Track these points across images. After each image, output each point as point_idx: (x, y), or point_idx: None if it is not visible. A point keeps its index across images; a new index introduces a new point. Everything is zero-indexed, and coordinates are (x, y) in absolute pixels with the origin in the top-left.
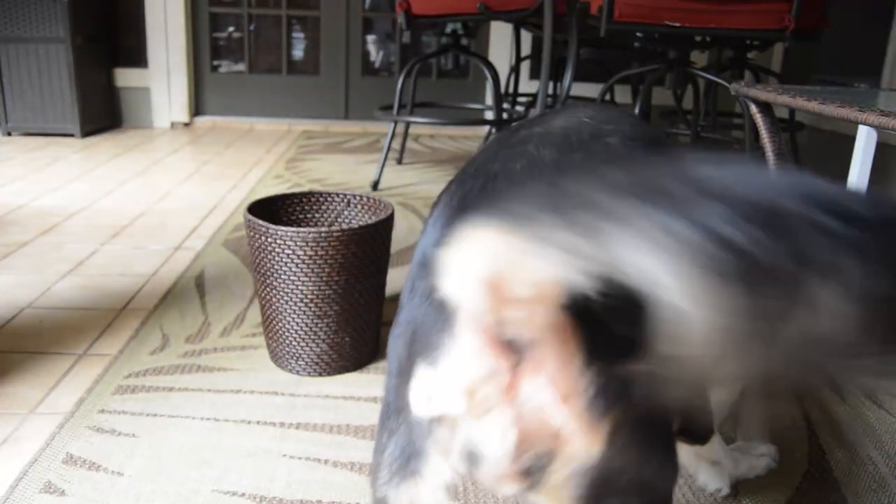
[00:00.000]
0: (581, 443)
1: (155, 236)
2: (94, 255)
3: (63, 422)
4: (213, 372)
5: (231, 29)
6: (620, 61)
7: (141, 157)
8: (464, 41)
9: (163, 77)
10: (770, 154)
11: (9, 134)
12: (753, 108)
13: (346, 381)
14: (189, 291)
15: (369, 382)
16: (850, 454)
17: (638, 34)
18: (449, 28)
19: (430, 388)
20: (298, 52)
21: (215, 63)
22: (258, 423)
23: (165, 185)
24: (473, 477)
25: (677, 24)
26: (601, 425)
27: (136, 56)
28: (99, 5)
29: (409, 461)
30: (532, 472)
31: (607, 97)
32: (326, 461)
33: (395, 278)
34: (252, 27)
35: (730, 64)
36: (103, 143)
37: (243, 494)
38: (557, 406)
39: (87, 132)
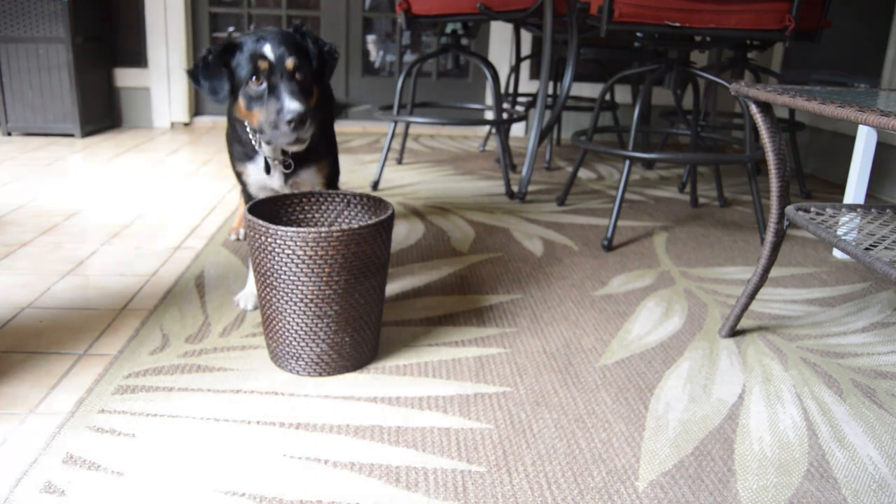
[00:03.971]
0: None
1: (155, 236)
2: (94, 255)
3: (63, 422)
4: (214, 372)
5: (231, 29)
6: (621, 61)
7: (141, 157)
8: (464, 41)
9: (163, 77)
10: (770, 154)
11: (9, 134)
12: (753, 108)
13: (346, 381)
14: (189, 291)
15: (369, 382)
16: (850, 454)
17: (638, 34)
18: (449, 28)
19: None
20: None
21: None
22: (258, 423)
23: (165, 185)
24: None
25: (677, 24)
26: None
27: (136, 56)
28: (99, 5)
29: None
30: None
31: (607, 97)
32: (326, 461)
33: (396, 278)
34: (252, 27)
35: (730, 64)
36: (103, 143)
37: (243, 494)
38: None
39: (88, 132)
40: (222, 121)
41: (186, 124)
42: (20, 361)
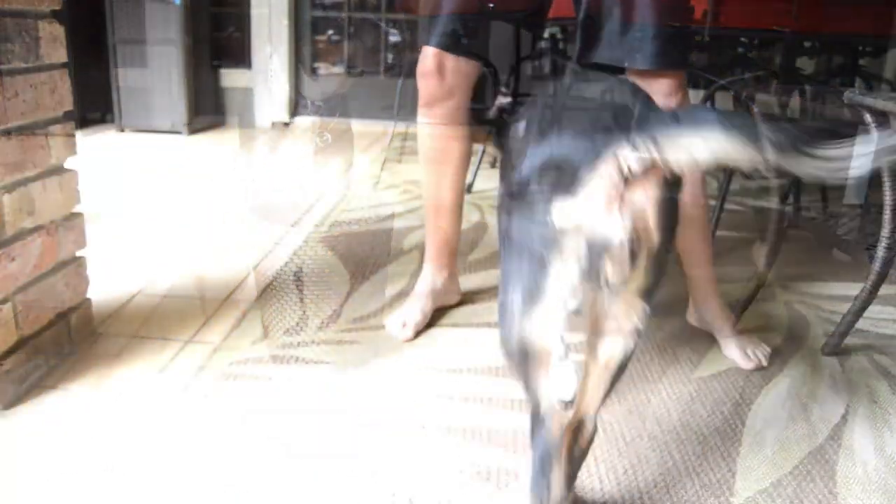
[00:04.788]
0: (655, 236)
1: (255, 229)
2: (198, 246)
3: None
4: (310, 364)
5: (330, 32)
6: None
7: (244, 153)
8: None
9: (265, 78)
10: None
11: (122, 130)
12: (868, 118)
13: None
14: (288, 285)
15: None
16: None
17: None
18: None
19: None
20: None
21: (315, 65)
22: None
23: (265, 181)
24: (598, 273)
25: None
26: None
27: (241, 57)
28: (209, 7)
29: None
30: (633, 258)
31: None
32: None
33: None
34: (351, 30)
35: (839, 71)
36: (208, 140)
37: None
38: (650, 210)
39: (194, 130)
40: (322, 121)
41: (286, 124)
42: (130, 347)
